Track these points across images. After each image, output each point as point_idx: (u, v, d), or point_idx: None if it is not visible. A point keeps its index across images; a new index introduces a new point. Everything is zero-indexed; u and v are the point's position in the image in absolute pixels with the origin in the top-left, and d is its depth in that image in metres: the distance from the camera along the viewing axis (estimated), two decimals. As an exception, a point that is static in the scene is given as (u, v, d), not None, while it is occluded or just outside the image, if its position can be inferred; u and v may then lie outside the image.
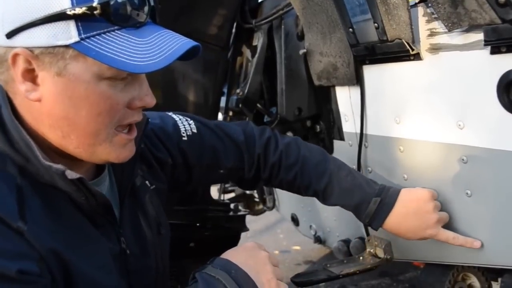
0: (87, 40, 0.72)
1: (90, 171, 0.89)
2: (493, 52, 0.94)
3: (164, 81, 1.62)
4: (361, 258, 1.30)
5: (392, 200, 1.12)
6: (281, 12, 1.49)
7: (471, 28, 0.97)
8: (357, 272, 1.25)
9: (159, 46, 0.75)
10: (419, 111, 1.15)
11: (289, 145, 1.21)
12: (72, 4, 0.71)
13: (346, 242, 1.54)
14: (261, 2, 1.67)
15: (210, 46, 1.67)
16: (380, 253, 1.26)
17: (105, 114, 0.77)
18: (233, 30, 1.74)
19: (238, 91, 1.63)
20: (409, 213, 1.11)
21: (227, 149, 1.17)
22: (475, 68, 0.99)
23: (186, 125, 1.13)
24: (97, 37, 0.73)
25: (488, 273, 1.23)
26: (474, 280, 1.25)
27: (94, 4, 0.71)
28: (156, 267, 0.98)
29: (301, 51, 1.44)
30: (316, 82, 1.44)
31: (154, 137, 1.06)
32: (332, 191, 1.17)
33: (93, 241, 0.83)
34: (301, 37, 1.48)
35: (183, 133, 1.11)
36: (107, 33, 0.73)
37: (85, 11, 0.71)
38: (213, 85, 1.71)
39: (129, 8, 0.74)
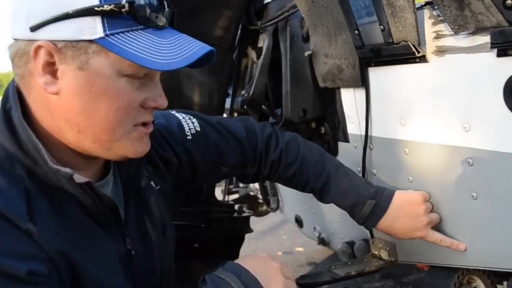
0: (111, 36, 0.73)
1: (97, 172, 0.89)
2: (499, 54, 0.94)
3: (169, 82, 1.62)
4: (365, 260, 1.30)
5: (386, 203, 1.15)
6: (286, 14, 1.49)
7: (477, 31, 0.96)
8: (361, 274, 1.25)
9: (180, 47, 0.77)
10: (425, 114, 1.14)
11: (289, 142, 1.22)
12: (100, 1, 0.72)
13: (351, 244, 1.54)
14: (267, 3, 1.67)
15: (215, 47, 1.66)
16: (385, 255, 1.26)
17: (123, 110, 0.78)
18: (239, 32, 1.75)
19: (243, 92, 1.63)
20: (401, 215, 1.14)
21: (230, 146, 1.18)
22: (481, 70, 0.99)
23: (189, 123, 1.14)
24: (121, 34, 0.74)
25: (494, 276, 1.23)
26: (479, 283, 1.25)
27: (123, 2, 0.73)
28: (161, 268, 0.98)
29: (306, 53, 1.44)
30: (321, 84, 1.43)
31: (160, 137, 1.07)
32: (329, 190, 1.19)
33: (99, 242, 0.83)
34: (306, 39, 1.47)
35: (187, 132, 1.12)
36: (131, 32, 0.75)
37: (113, 8, 0.72)
38: (218, 86, 1.71)
39: (148, 11, 0.76)
